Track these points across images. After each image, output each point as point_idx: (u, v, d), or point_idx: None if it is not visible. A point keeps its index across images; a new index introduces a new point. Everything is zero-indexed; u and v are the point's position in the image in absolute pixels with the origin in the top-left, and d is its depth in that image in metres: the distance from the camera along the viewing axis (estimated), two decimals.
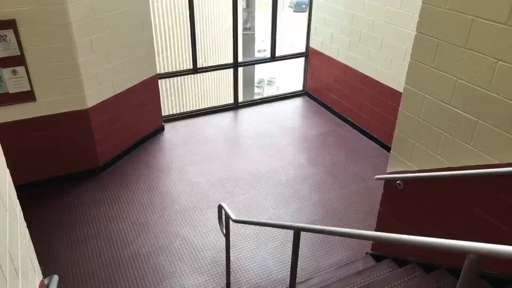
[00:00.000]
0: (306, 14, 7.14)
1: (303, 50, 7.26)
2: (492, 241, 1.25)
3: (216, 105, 7.15)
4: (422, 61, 2.80)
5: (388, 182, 3.42)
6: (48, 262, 3.88)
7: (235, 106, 7.09)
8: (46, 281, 2.10)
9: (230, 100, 7.21)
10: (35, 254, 1.93)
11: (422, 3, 2.69)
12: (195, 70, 6.49)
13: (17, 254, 1.49)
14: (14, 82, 4.19)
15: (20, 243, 1.60)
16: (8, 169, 1.74)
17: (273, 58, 7.13)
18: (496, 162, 2.46)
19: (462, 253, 1.26)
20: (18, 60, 4.12)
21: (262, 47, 38.14)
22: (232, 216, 3.31)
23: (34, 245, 1.95)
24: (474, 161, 2.60)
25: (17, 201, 1.81)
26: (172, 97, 32.78)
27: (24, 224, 1.82)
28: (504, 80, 2.30)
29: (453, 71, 2.59)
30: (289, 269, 2.50)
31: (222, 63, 7.15)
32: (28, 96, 4.31)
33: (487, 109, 2.44)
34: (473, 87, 2.49)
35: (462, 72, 2.53)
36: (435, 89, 2.75)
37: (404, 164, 3.18)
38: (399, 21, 5.06)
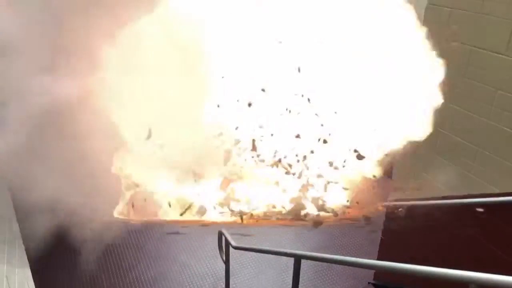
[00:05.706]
0: None
1: None
2: (494, 271, 1.24)
3: None
4: None
5: (390, 210, 3.41)
6: None
7: None
8: None
9: None
10: None
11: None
12: None
13: None
14: None
15: None
16: None
17: None
18: (498, 191, 2.45)
19: (463, 283, 1.25)
20: None
21: None
22: (232, 242, 3.27)
23: None
24: (476, 190, 2.60)
25: None
26: None
27: None
28: (504, 110, 2.33)
29: (452, 100, 2.63)
30: None
31: None
32: None
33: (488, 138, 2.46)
34: (472, 116, 2.51)
35: (462, 101, 2.57)
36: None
37: (406, 192, 3.18)
38: None
